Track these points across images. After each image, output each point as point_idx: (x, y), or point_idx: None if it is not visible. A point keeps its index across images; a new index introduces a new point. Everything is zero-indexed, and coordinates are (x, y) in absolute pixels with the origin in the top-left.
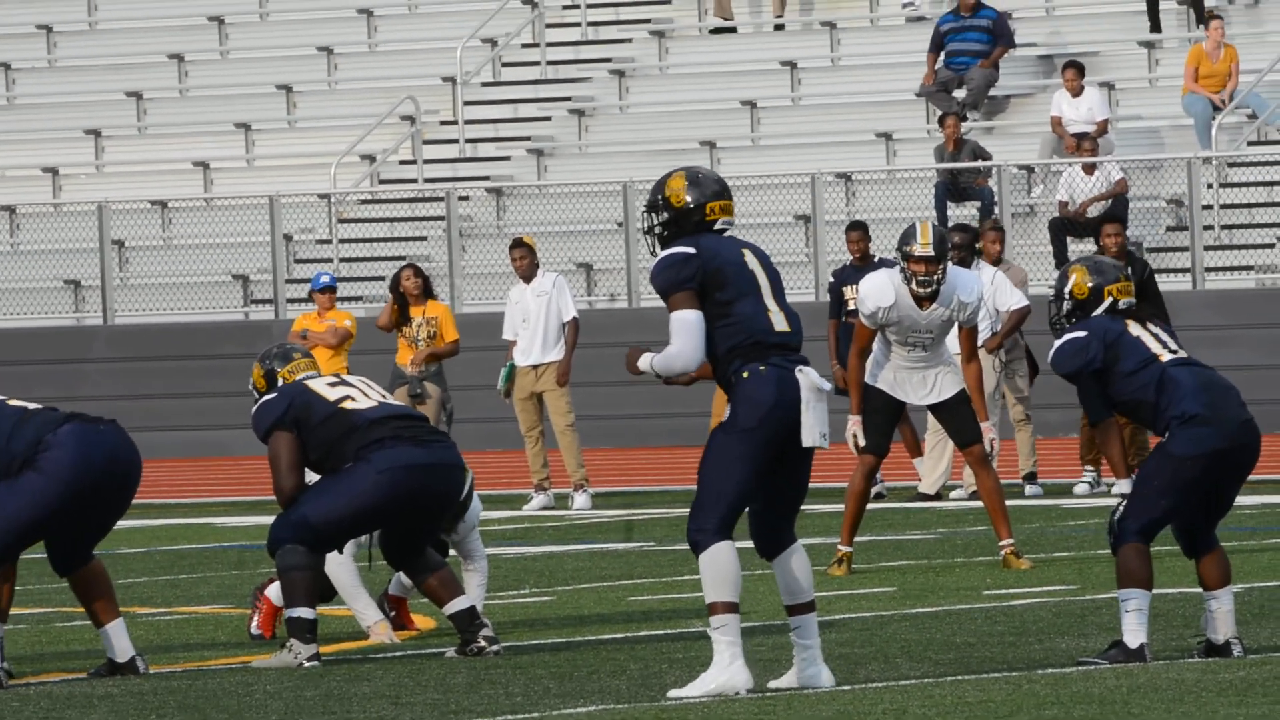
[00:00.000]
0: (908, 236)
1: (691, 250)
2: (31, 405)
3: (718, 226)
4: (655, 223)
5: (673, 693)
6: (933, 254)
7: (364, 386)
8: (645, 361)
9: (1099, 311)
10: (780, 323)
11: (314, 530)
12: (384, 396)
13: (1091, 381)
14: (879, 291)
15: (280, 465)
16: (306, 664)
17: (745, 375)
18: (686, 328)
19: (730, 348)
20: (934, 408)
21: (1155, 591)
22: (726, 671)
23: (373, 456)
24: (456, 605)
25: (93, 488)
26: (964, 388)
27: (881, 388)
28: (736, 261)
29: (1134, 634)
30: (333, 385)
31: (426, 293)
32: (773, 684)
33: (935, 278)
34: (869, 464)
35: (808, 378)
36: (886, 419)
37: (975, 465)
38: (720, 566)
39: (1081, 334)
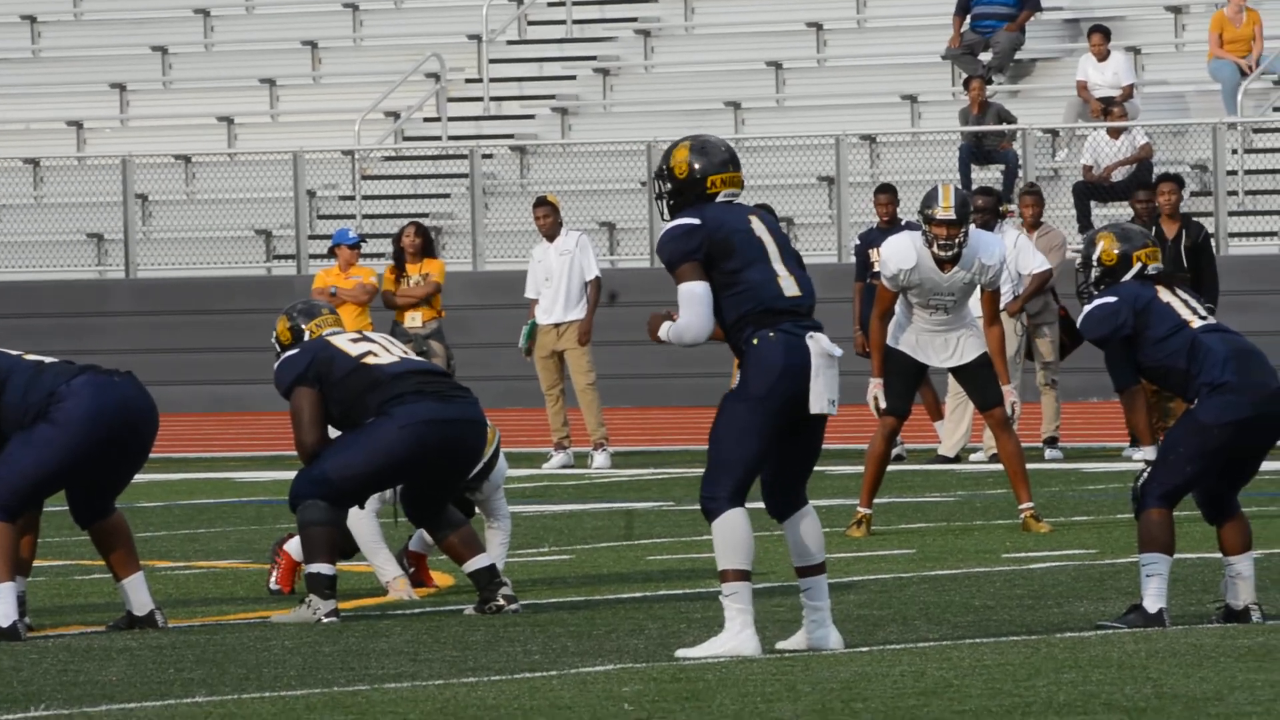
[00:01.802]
0: (929, 199)
1: (696, 221)
2: (48, 359)
3: (720, 199)
4: (661, 191)
5: (680, 652)
6: (954, 217)
7: (386, 343)
8: (664, 330)
9: (1128, 277)
10: (790, 287)
11: (334, 486)
12: (405, 353)
13: (1120, 347)
14: (900, 254)
15: (302, 420)
16: (325, 619)
17: (755, 342)
18: (694, 299)
19: (740, 315)
20: (955, 370)
21: (1175, 557)
22: (736, 639)
23: (394, 411)
24: (476, 563)
25: (106, 439)
26: (985, 351)
27: (903, 350)
28: (743, 229)
29: (1153, 599)
30: (355, 341)
31: (425, 251)
32: (780, 645)
33: (957, 241)
34: (889, 425)
35: (818, 344)
36: (907, 381)
37: (996, 428)
38: (732, 534)
39: (1111, 299)
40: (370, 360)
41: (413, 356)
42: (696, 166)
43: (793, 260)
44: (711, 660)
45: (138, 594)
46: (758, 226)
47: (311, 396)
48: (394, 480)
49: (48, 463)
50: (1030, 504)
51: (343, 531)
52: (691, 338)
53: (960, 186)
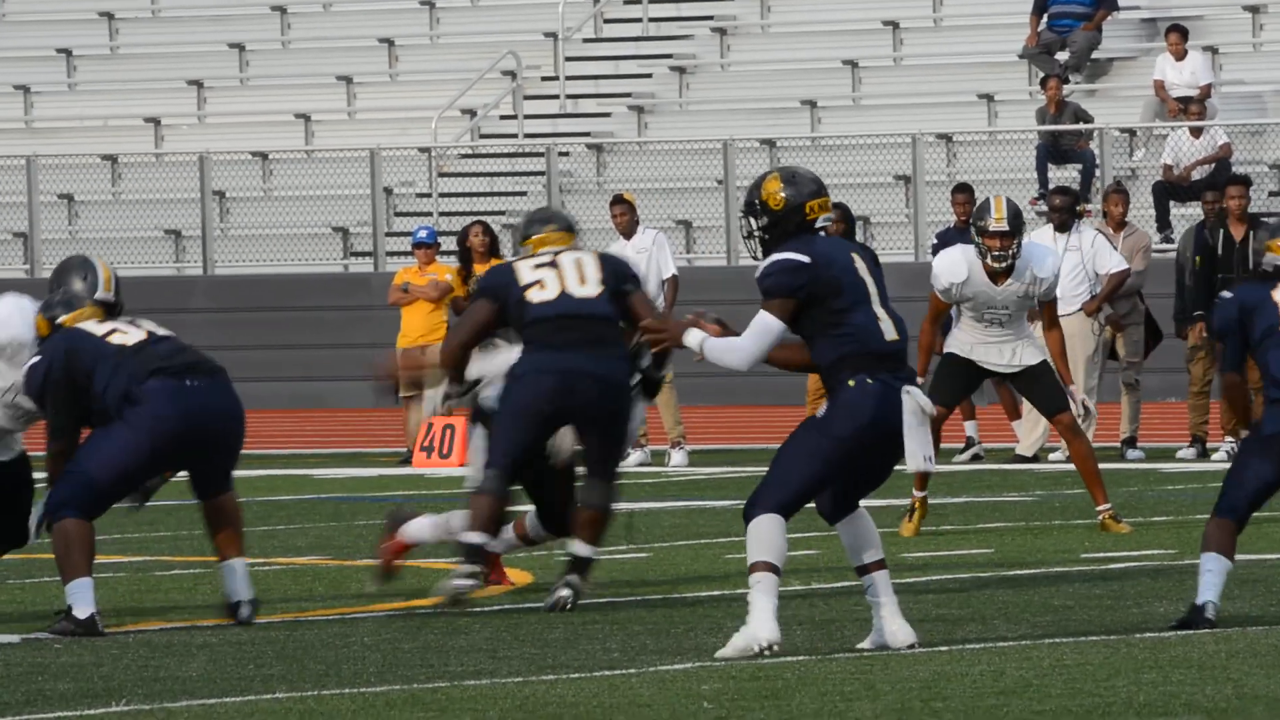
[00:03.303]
0: (982, 211)
1: (806, 260)
2: (132, 338)
3: (819, 225)
4: (755, 228)
5: (719, 653)
6: (1007, 228)
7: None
8: (694, 339)
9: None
10: (890, 331)
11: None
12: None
13: (1235, 341)
14: (952, 267)
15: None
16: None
17: (851, 384)
18: (766, 333)
19: (840, 356)
20: (1015, 377)
21: (1256, 558)
22: (755, 625)
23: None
24: (577, 549)
25: (176, 445)
26: (1046, 357)
27: (958, 353)
28: (849, 268)
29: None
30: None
31: (493, 251)
32: (860, 645)
33: (1010, 252)
34: (937, 415)
35: (913, 399)
36: (960, 379)
37: (1066, 433)
38: (766, 534)
39: (1228, 294)
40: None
41: (161, 332)
42: (791, 194)
43: (887, 301)
44: (788, 660)
45: (232, 580)
46: (860, 266)
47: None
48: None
49: (119, 465)
50: (1108, 505)
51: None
52: (733, 363)
53: (1043, 187)
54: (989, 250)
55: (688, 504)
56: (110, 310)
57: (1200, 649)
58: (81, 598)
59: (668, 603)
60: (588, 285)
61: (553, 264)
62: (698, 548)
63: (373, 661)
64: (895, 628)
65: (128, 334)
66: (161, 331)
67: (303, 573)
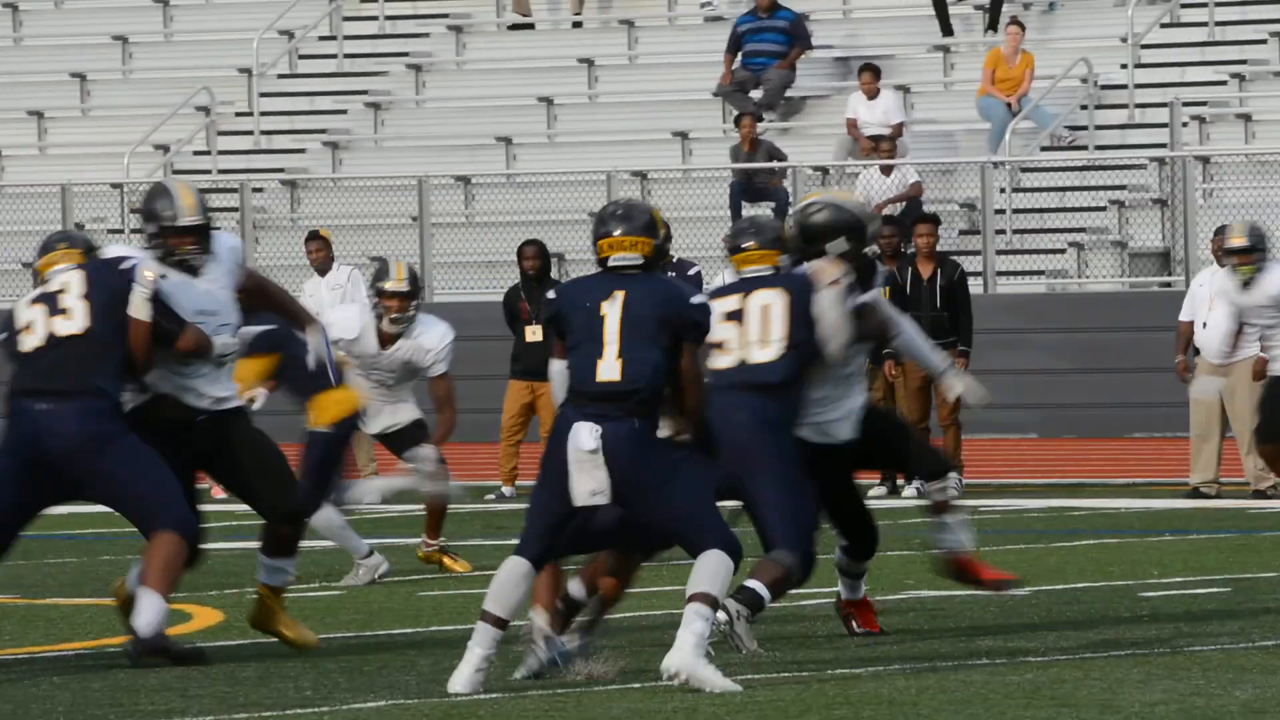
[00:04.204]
0: (381, 273)
1: (552, 296)
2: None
3: (611, 263)
4: None
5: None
6: (406, 289)
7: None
8: None
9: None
10: (609, 371)
11: None
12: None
13: None
14: (345, 324)
15: None
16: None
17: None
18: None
19: (569, 389)
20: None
21: (939, 594)
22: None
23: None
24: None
25: (20, 471)
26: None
27: None
28: (586, 308)
29: None
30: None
31: None
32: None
33: (408, 314)
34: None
35: (575, 438)
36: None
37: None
38: (499, 578)
39: None
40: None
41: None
42: (593, 232)
43: (637, 342)
44: (481, 698)
45: None
46: (609, 306)
47: None
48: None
49: None
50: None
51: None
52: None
53: (754, 218)
54: (387, 311)
55: (379, 541)
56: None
57: (890, 685)
58: None
59: (360, 641)
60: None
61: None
62: (391, 585)
63: (61, 701)
64: (672, 653)
65: None
66: None
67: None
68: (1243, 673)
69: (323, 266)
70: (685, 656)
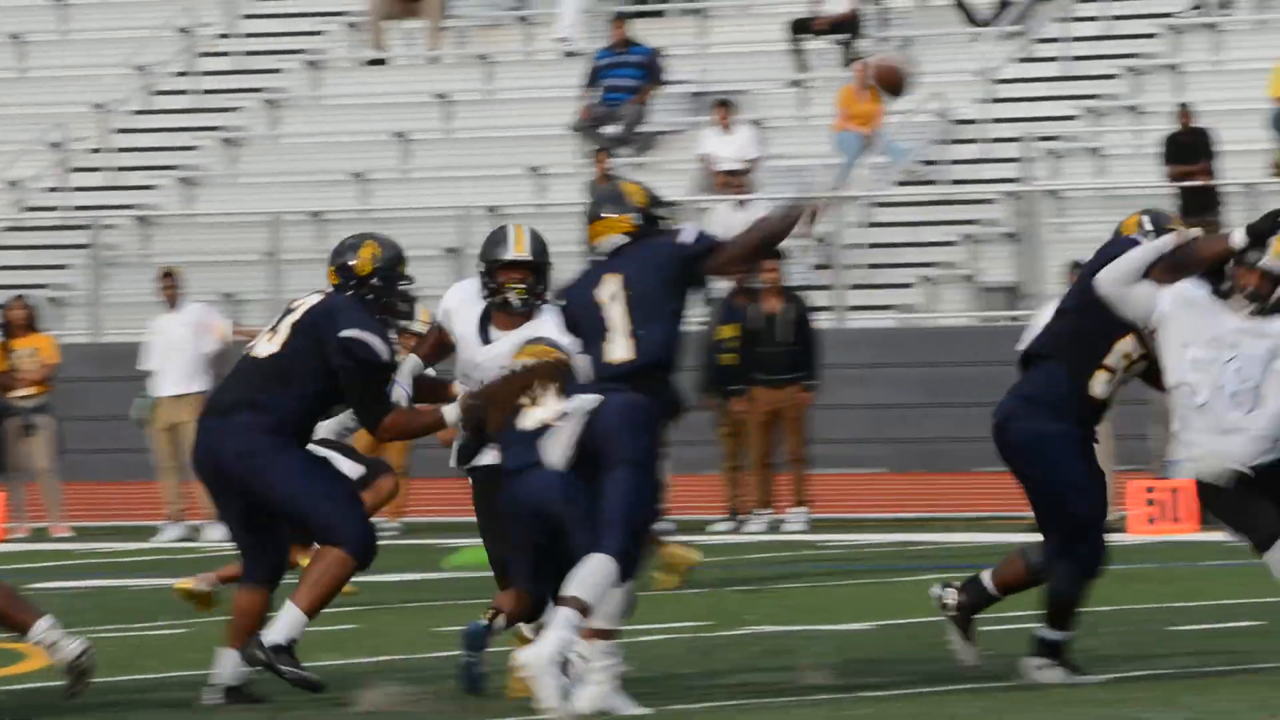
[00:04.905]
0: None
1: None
2: None
3: (601, 249)
4: None
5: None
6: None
7: None
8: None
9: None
10: (620, 352)
11: None
12: None
13: None
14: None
15: None
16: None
17: None
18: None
19: None
20: None
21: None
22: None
23: None
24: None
25: None
26: None
27: None
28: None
29: None
30: None
31: (30, 325)
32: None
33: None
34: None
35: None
36: None
37: None
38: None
39: None
40: None
41: None
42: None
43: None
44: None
45: None
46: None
47: None
48: None
49: None
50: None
51: None
52: None
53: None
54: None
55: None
56: None
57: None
58: None
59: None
60: None
61: None
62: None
63: None
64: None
65: None
66: None
67: None
68: (1088, 706)
69: (173, 303)
70: (541, 658)
